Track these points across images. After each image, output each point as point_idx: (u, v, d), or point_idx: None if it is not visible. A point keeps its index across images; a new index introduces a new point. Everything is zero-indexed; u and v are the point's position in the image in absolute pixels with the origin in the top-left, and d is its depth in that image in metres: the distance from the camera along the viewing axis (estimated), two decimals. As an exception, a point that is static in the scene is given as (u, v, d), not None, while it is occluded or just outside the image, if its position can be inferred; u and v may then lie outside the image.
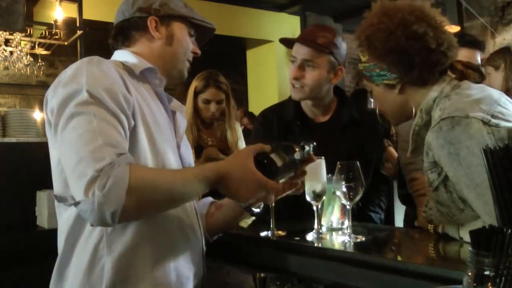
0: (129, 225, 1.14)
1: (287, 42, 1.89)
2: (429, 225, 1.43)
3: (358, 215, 1.83)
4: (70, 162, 1.03)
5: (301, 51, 1.80)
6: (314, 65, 1.79)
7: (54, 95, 1.13)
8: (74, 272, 1.15)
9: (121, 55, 1.33)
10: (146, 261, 1.15)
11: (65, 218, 1.17)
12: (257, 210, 1.26)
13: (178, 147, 1.33)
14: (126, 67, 1.26)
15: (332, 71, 1.83)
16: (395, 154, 3.70)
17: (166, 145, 1.24)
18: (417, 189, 1.95)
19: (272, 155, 1.16)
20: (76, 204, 1.00)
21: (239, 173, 1.12)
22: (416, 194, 1.96)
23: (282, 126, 1.93)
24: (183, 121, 1.39)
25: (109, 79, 1.14)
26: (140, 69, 1.27)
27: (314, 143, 1.28)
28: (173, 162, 1.25)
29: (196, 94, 2.75)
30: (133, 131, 1.15)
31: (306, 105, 1.94)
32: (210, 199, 1.46)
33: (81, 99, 1.08)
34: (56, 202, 1.21)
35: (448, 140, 1.19)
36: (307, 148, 1.25)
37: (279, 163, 1.15)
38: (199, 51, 1.41)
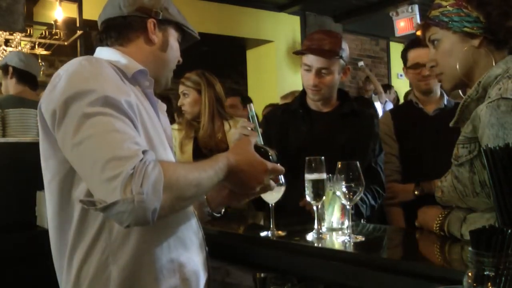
0: (132, 232, 1.12)
1: (301, 52, 2.05)
2: (435, 224, 1.39)
3: None
4: (97, 164, 0.96)
5: (315, 60, 1.96)
6: (328, 71, 1.97)
7: (52, 99, 1.06)
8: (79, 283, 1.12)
9: (108, 53, 1.25)
10: (151, 268, 1.13)
11: (66, 229, 1.14)
12: (218, 215, 1.39)
13: (171, 148, 1.31)
14: (118, 69, 1.19)
15: (341, 72, 2.04)
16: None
17: (164, 151, 1.22)
18: (388, 197, 1.91)
19: (265, 146, 1.30)
20: (109, 206, 0.93)
21: (247, 165, 1.20)
22: (386, 203, 1.92)
23: (286, 114, 2.11)
24: (167, 122, 1.35)
25: (114, 80, 1.10)
26: (132, 72, 1.21)
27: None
28: None
29: None
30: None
31: (311, 100, 2.08)
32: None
33: (94, 98, 1.01)
34: (52, 216, 1.15)
35: (501, 122, 1.14)
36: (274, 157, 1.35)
37: (272, 153, 1.29)
38: (181, 60, 1.38)
